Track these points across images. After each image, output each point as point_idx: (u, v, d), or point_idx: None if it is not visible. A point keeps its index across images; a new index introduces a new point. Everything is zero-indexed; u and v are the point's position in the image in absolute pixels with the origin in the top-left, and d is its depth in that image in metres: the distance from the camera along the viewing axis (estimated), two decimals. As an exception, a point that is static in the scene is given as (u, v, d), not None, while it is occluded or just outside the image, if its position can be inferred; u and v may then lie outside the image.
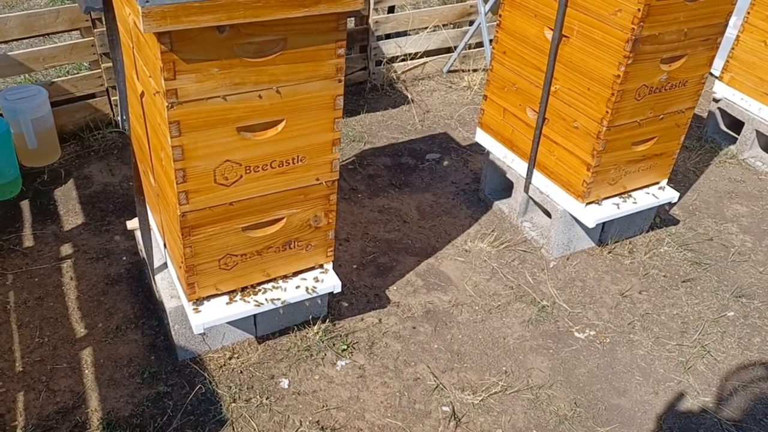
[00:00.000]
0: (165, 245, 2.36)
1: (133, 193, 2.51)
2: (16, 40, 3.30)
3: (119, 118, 3.57)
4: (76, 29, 3.34)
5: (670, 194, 3.00)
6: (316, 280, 2.34)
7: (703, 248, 3.16)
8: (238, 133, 1.89)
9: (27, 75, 3.92)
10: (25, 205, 3.08)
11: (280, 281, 2.31)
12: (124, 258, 2.82)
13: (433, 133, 3.91)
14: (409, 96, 4.27)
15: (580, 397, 2.42)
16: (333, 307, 2.65)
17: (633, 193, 2.94)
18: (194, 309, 2.18)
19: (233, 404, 2.27)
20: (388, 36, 4.32)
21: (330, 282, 2.35)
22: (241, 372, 2.38)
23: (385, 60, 4.30)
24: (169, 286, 2.36)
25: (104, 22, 2.22)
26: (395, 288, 2.80)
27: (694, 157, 3.81)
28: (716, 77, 3.88)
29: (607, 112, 2.52)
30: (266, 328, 2.51)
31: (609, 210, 2.84)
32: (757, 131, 3.74)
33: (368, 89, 4.26)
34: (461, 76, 4.49)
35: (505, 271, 2.94)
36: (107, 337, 2.47)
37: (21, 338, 2.44)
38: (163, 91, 1.72)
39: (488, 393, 2.39)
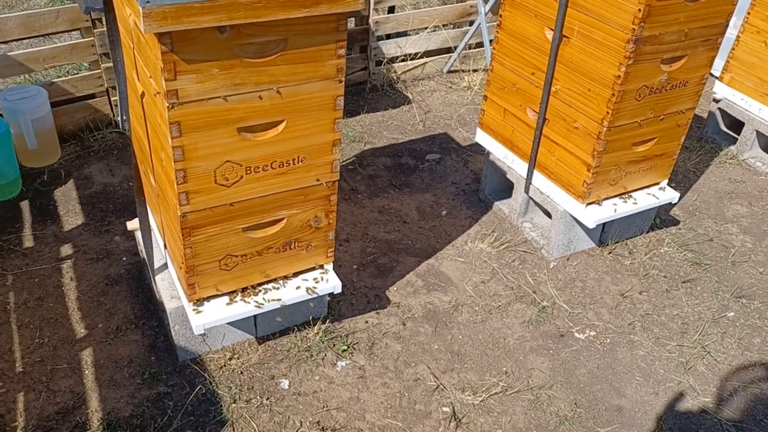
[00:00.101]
0: (165, 246, 2.36)
1: (133, 193, 2.51)
2: (16, 40, 3.30)
3: (119, 118, 3.56)
4: (76, 29, 3.34)
5: (671, 195, 3.00)
6: (317, 280, 2.34)
7: (704, 249, 3.16)
8: (238, 134, 1.89)
9: (27, 75, 3.92)
10: (25, 205, 3.08)
11: (281, 282, 2.31)
12: (125, 258, 2.82)
13: (433, 133, 3.91)
14: (409, 96, 4.27)
15: (581, 397, 2.41)
16: (333, 308, 2.65)
17: (633, 194, 2.94)
18: (194, 309, 2.18)
19: (233, 405, 2.27)
20: (388, 36, 4.32)
21: (330, 282, 2.35)
22: (242, 372, 2.38)
23: (385, 60, 4.30)
24: (169, 287, 2.36)
25: (105, 23, 2.22)
26: (395, 288, 2.80)
27: (694, 158, 3.81)
28: (716, 77, 3.88)
29: (607, 112, 2.52)
30: (266, 329, 2.51)
31: (609, 210, 2.84)
32: (758, 132, 3.75)
33: (368, 89, 4.26)
34: (461, 77, 4.49)
35: (505, 271, 2.94)
36: (107, 338, 2.47)
37: (21, 339, 2.44)
38: (164, 91, 1.72)
39: (488, 393, 2.39)
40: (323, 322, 2.57)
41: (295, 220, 2.18)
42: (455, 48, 4.47)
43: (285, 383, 2.36)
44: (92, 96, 3.50)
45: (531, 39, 2.73)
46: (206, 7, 1.62)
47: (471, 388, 2.41)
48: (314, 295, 2.31)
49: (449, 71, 4.53)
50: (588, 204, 2.81)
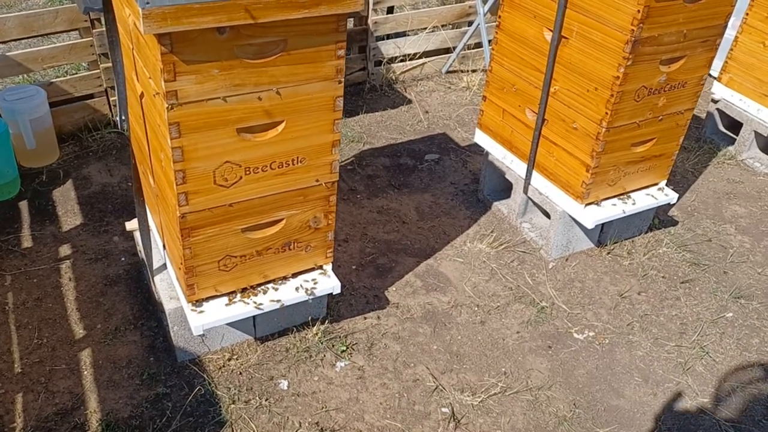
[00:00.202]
0: (164, 246, 2.36)
1: (131, 193, 2.51)
2: (15, 40, 3.29)
3: (118, 118, 3.56)
4: (75, 29, 3.33)
5: (669, 195, 3.00)
6: (315, 281, 2.34)
7: (702, 249, 3.16)
8: (238, 135, 1.89)
9: (25, 75, 3.92)
10: (23, 205, 3.08)
11: (280, 282, 2.31)
12: (123, 259, 2.82)
13: (432, 133, 3.91)
14: (408, 96, 4.27)
15: (579, 398, 2.42)
16: (332, 308, 2.65)
17: (632, 194, 2.94)
18: (193, 310, 2.18)
19: (232, 405, 2.27)
20: (387, 36, 4.32)
21: (329, 283, 2.35)
22: (241, 373, 2.38)
23: (384, 61, 4.30)
24: (168, 288, 2.36)
25: (104, 23, 2.22)
26: (394, 289, 2.80)
27: (692, 158, 3.82)
28: (715, 78, 3.89)
29: (606, 113, 2.53)
30: (265, 329, 2.51)
31: (608, 211, 2.84)
32: (756, 132, 3.75)
33: (367, 90, 4.26)
34: (460, 77, 4.49)
35: (504, 272, 2.94)
36: (106, 339, 2.46)
37: (20, 339, 2.43)
38: (163, 92, 1.72)
39: (487, 394, 2.40)
40: (322, 323, 2.57)
41: (294, 220, 2.18)
42: (454, 48, 4.48)
43: (284, 384, 2.36)
44: (91, 96, 3.50)
45: (530, 40, 2.74)
46: (206, 8, 1.62)
47: (470, 388, 2.42)
48: (313, 296, 2.31)
49: (448, 71, 4.53)
50: (587, 204, 2.81)
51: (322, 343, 2.51)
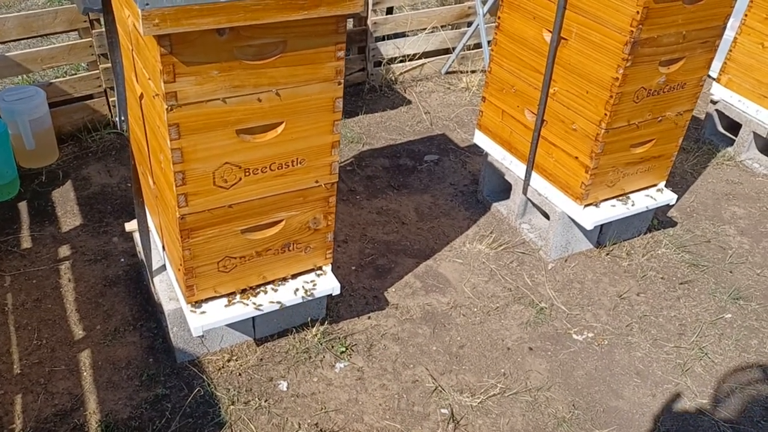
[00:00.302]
0: (164, 247, 2.36)
1: (131, 194, 2.51)
2: (14, 40, 3.29)
3: (117, 118, 3.56)
4: (75, 30, 3.33)
5: (668, 196, 3.01)
6: (315, 282, 2.34)
7: (701, 250, 3.16)
8: (237, 136, 1.89)
9: (25, 76, 3.91)
10: (23, 206, 3.07)
11: (279, 283, 2.31)
12: (123, 260, 2.81)
13: (431, 134, 3.91)
14: (408, 97, 4.27)
15: (578, 399, 2.42)
16: (331, 309, 2.65)
17: (631, 195, 2.94)
18: (193, 311, 2.18)
19: (232, 407, 2.27)
20: (386, 37, 4.32)
21: (328, 284, 2.35)
22: (240, 374, 2.38)
23: (383, 61, 4.31)
24: (167, 289, 2.36)
25: (103, 24, 2.22)
26: (393, 290, 2.80)
27: (691, 159, 3.82)
28: (714, 79, 3.89)
29: (605, 114, 2.53)
30: (265, 330, 2.51)
31: (607, 212, 2.84)
32: (755, 133, 3.76)
33: (367, 90, 4.26)
34: (459, 78, 4.49)
35: (503, 272, 2.94)
36: (105, 339, 2.46)
37: (19, 340, 2.43)
38: (163, 93, 1.72)
39: (487, 395, 2.40)
40: (322, 324, 2.57)
41: (293, 221, 2.18)
42: (453, 49, 4.48)
43: (283, 385, 2.36)
44: (90, 97, 3.50)
45: (529, 41, 2.74)
46: (205, 10, 1.62)
47: (469, 389, 2.42)
48: (313, 297, 2.31)
49: (447, 72, 4.53)
50: (586, 205, 2.81)
51: (321, 344, 2.51)
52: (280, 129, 1.95)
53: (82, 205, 3.11)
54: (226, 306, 2.21)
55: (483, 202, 3.35)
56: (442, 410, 2.34)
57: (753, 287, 2.97)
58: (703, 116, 4.08)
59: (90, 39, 3.34)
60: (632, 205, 2.91)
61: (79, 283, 2.69)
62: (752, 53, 3.60)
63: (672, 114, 2.75)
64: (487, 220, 3.25)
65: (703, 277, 3.00)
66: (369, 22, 4.06)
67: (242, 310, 2.21)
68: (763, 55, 3.55)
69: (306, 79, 1.90)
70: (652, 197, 2.97)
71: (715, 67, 3.71)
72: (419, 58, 4.40)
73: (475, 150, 3.70)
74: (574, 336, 2.67)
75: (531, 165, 2.94)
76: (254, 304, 2.23)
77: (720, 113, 3.92)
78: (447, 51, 4.51)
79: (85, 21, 3.28)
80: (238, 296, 2.24)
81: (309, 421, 2.25)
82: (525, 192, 3.06)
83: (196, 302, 2.19)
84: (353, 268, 2.89)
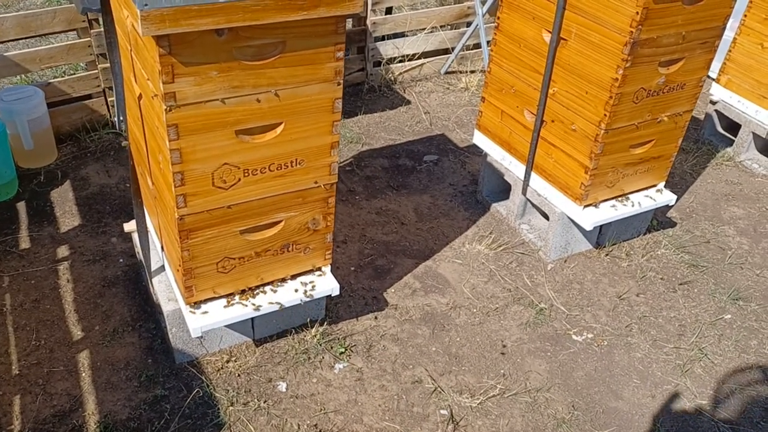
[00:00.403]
0: (162, 248, 2.35)
1: (130, 194, 2.50)
2: (13, 40, 3.28)
3: (116, 119, 3.55)
4: (73, 30, 3.33)
5: (668, 197, 3.00)
6: (314, 283, 2.34)
7: (700, 251, 3.16)
8: (236, 136, 1.89)
9: (23, 76, 3.91)
10: (21, 206, 3.07)
11: (278, 284, 2.30)
12: (121, 260, 2.81)
13: (430, 134, 3.91)
14: (407, 97, 4.27)
15: (578, 400, 2.42)
16: (331, 310, 2.65)
17: (630, 196, 2.94)
18: (192, 312, 2.17)
19: (231, 408, 2.26)
20: (385, 37, 4.32)
21: (328, 285, 2.35)
22: (239, 375, 2.38)
23: (383, 61, 4.30)
24: (166, 289, 2.35)
25: (102, 25, 2.21)
26: (393, 290, 2.80)
27: (691, 160, 3.82)
28: (713, 79, 3.89)
29: (605, 114, 2.53)
30: (264, 331, 2.50)
31: (607, 213, 2.84)
32: (754, 133, 3.75)
33: (366, 90, 4.26)
34: (459, 78, 4.49)
35: (502, 273, 2.94)
36: (104, 340, 2.46)
37: (17, 341, 2.43)
38: (162, 94, 1.71)
39: (486, 396, 2.39)
40: (321, 325, 2.57)
41: (293, 222, 2.17)
42: (453, 49, 4.47)
43: (282, 386, 2.36)
44: (89, 97, 3.49)
45: (529, 41, 2.73)
46: (204, 10, 1.61)
47: (469, 390, 2.41)
48: (312, 298, 2.31)
49: (447, 72, 4.53)
50: (585, 206, 2.81)
51: (320, 345, 2.51)
52: (279, 129, 1.94)
53: (81, 206, 3.10)
54: (225, 307, 2.21)
55: (482, 202, 3.35)
56: (442, 411, 2.33)
57: (752, 288, 2.97)
58: (702, 117, 4.08)
59: (89, 39, 3.33)
60: (632, 205, 2.90)
61: (77, 284, 2.68)
62: (751, 54, 3.60)
63: (671, 114, 2.75)
64: (486, 220, 3.25)
65: (703, 278, 3.00)
66: (368, 22, 4.05)
67: (241, 310, 2.21)
68: (762, 55, 3.55)
69: (305, 80, 1.89)
70: (651, 198, 2.97)
71: (714, 67, 3.72)
72: (418, 58, 4.40)
73: (475, 150, 3.70)
74: (574, 337, 2.67)
75: (530, 165, 2.94)
76: (253, 304, 2.23)
77: (719, 114, 3.92)
78: (446, 51, 4.51)
79: (83, 21, 3.27)
80: (237, 297, 2.24)
81: (308, 422, 2.25)
82: (524, 192, 3.06)
83: (195, 303, 2.18)
84: (352, 268, 2.89)
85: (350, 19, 4.09)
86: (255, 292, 2.26)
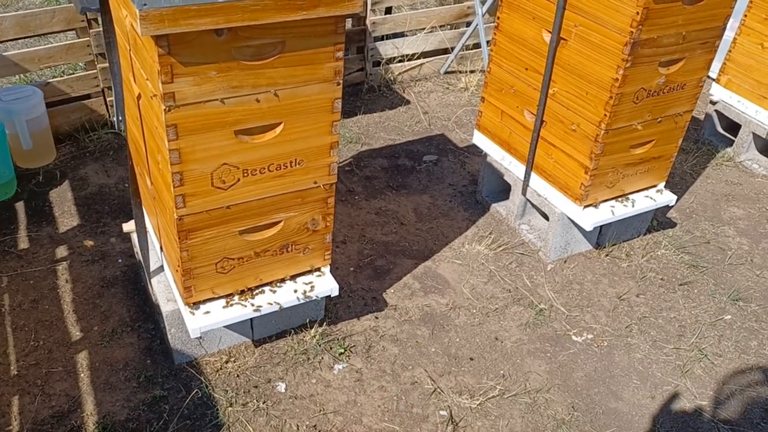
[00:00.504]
0: (161, 248, 2.35)
1: (128, 194, 2.50)
2: (12, 40, 3.27)
3: (115, 118, 3.55)
4: (72, 29, 3.32)
5: (668, 197, 3.00)
6: (313, 283, 2.33)
7: (700, 251, 3.16)
8: (235, 137, 1.88)
9: (22, 75, 3.90)
10: (20, 206, 3.06)
11: (277, 285, 2.30)
12: (120, 260, 2.80)
13: (430, 134, 3.90)
14: (407, 97, 4.26)
15: (578, 400, 2.41)
16: (330, 310, 2.64)
17: (630, 196, 2.94)
18: (191, 312, 2.17)
19: (230, 408, 2.26)
20: (385, 37, 4.31)
21: (327, 285, 2.34)
22: (238, 376, 2.37)
23: (382, 61, 4.30)
24: (165, 290, 2.34)
25: (101, 24, 2.20)
26: (392, 291, 2.79)
27: (691, 160, 3.82)
28: (713, 79, 3.89)
29: (605, 115, 2.52)
30: (263, 332, 2.50)
31: (606, 213, 2.84)
32: (754, 134, 3.75)
33: (365, 90, 4.25)
34: (458, 78, 4.48)
35: (502, 273, 2.94)
36: (103, 341, 2.45)
37: (16, 341, 2.42)
38: (161, 94, 1.71)
39: (486, 397, 2.39)
40: (320, 325, 2.56)
41: (292, 222, 2.17)
42: (452, 49, 4.47)
43: (282, 386, 2.35)
44: (88, 96, 3.49)
45: (528, 41, 2.73)
46: (203, 10, 1.61)
47: (468, 391, 2.41)
48: (311, 299, 2.30)
49: (446, 72, 4.52)
50: (585, 206, 2.80)
51: (320, 346, 2.50)
52: (278, 130, 1.94)
53: (80, 206, 3.09)
54: (224, 307, 2.20)
55: (482, 202, 3.35)
56: (441, 412, 2.33)
57: (752, 288, 2.97)
58: (702, 117, 4.08)
59: (88, 38, 3.32)
60: (632, 206, 2.90)
61: (76, 284, 2.67)
62: (752, 54, 3.59)
63: (672, 114, 2.75)
64: (486, 220, 3.24)
65: (703, 278, 3.00)
66: (368, 21, 4.05)
67: (240, 311, 2.20)
68: (762, 55, 3.55)
69: (305, 80, 1.89)
70: (651, 198, 2.97)
71: (714, 67, 3.71)
72: (418, 58, 4.39)
73: (474, 150, 3.69)
74: (574, 337, 2.66)
75: (530, 166, 2.94)
76: (252, 305, 2.22)
77: (719, 114, 3.92)
78: (446, 51, 4.50)
79: (82, 20, 3.26)
80: (236, 297, 2.23)
81: (307, 422, 2.25)
82: (524, 193, 3.05)
83: (194, 303, 2.18)
84: (352, 269, 2.88)
85: (350, 19, 4.08)
86: (254, 293, 2.26)
